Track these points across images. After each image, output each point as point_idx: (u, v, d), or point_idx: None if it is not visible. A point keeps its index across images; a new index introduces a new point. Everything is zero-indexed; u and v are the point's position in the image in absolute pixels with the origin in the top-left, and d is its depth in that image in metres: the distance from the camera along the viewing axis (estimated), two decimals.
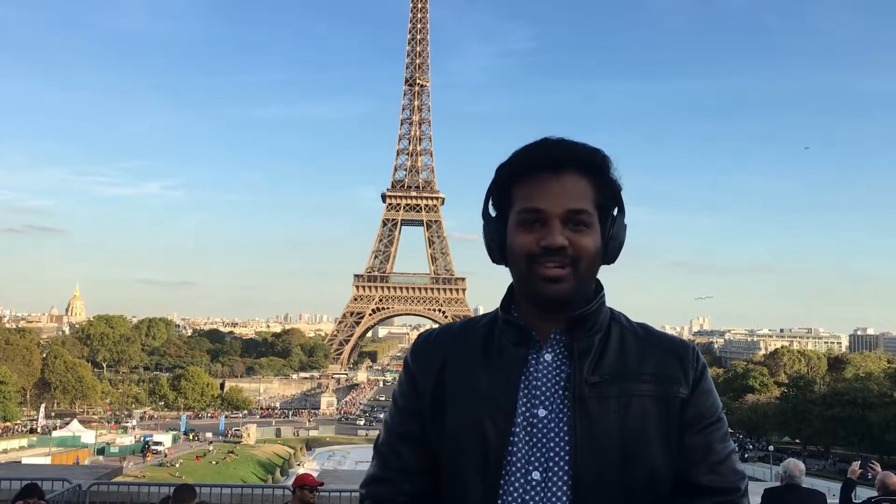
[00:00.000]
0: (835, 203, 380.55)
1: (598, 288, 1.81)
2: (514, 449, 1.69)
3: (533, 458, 1.68)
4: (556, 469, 1.67)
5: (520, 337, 1.77)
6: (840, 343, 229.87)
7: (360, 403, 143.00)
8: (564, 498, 1.65)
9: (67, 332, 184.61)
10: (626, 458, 1.66)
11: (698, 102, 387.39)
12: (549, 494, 1.66)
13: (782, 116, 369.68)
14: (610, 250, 1.77)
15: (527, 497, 1.67)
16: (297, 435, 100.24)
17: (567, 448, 1.67)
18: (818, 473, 62.88)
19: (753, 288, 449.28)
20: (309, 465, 68.78)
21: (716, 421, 1.77)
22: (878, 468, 8.72)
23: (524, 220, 1.71)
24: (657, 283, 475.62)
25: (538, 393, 1.72)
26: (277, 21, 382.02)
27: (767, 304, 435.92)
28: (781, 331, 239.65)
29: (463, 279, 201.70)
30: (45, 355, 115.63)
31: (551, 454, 1.68)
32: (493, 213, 1.82)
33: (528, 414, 1.71)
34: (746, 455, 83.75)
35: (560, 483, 1.66)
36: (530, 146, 1.76)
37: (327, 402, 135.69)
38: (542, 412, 1.71)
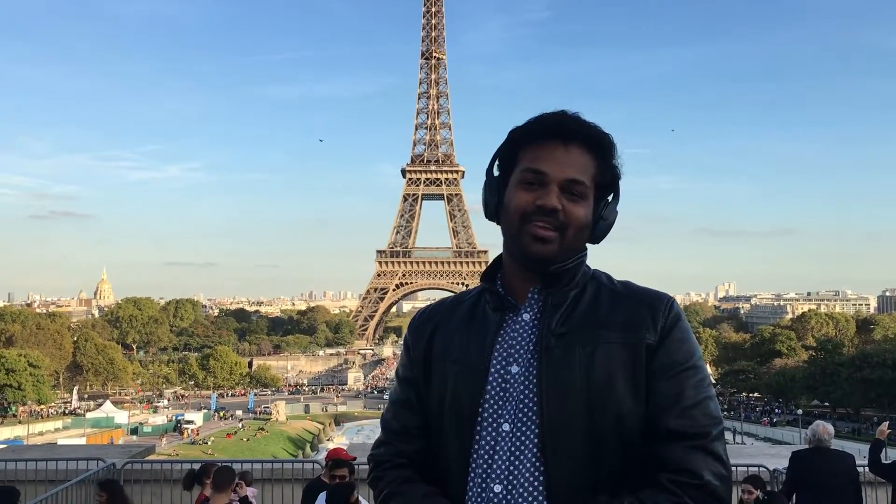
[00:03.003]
0: (860, 163, 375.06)
1: (581, 248, 1.90)
2: (487, 406, 1.79)
3: (504, 412, 1.77)
4: (525, 420, 1.75)
5: (498, 303, 1.89)
6: (868, 305, 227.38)
7: (387, 378, 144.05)
8: (531, 446, 1.73)
9: (97, 315, 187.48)
10: (593, 404, 1.71)
11: (720, 67, 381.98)
12: (518, 444, 1.74)
13: (806, 78, 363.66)
14: (599, 229, 1.87)
15: (497, 448, 1.76)
16: (326, 411, 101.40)
17: (535, 399, 1.74)
18: (848, 436, 62.63)
19: (779, 252, 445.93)
20: (338, 440, 69.53)
21: (689, 368, 1.77)
22: None
23: (525, 178, 1.81)
24: (683, 250, 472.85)
25: (512, 351, 1.82)
26: None
27: (794, 268, 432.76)
28: (808, 294, 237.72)
29: (485, 252, 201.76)
30: (75, 339, 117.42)
31: (520, 405, 1.76)
32: (496, 172, 1.92)
33: (502, 371, 1.80)
34: (775, 419, 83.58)
35: (529, 433, 1.74)
36: (547, 114, 1.84)
37: (354, 377, 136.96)
38: (514, 368, 1.80)
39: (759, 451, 14.39)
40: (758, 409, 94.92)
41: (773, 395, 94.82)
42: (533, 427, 1.74)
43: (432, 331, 1.96)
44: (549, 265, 1.82)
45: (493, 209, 1.91)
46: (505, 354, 1.82)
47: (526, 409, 1.76)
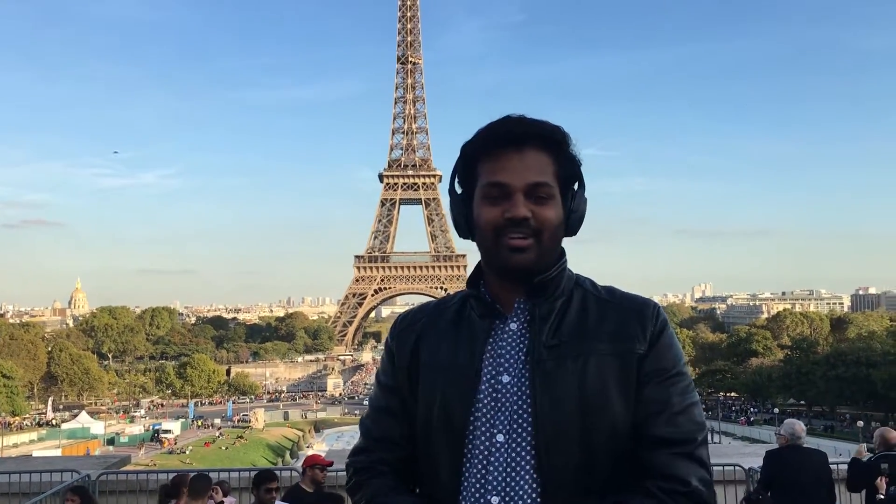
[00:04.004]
0: (834, 162, 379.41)
1: (561, 254, 1.88)
2: (479, 415, 1.77)
3: (497, 423, 1.76)
4: (519, 431, 1.74)
5: (485, 310, 1.86)
6: (842, 303, 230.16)
7: (367, 384, 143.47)
8: (527, 457, 1.73)
9: (71, 324, 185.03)
10: (587, 416, 1.72)
11: (697, 68, 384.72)
12: (513, 455, 1.73)
13: (780, 77, 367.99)
14: (571, 222, 1.85)
15: (491, 458, 1.74)
16: (305, 417, 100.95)
17: (529, 411, 1.74)
18: (823, 434, 63.29)
19: (754, 252, 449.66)
20: (318, 447, 69.22)
21: (676, 374, 1.79)
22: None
23: (489, 194, 1.79)
24: (660, 252, 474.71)
25: (502, 360, 1.80)
26: (268, 4, 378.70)
27: (769, 268, 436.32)
28: (783, 294, 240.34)
29: (463, 256, 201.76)
30: (50, 349, 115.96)
31: (514, 416, 1.75)
32: (458, 189, 1.91)
33: (493, 381, 1.79)
34: (752, 418, 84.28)
35: (524, 444, 1.73)
36: (493, 124, 1.83)
37: (333, 383, 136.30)
38: (505, 378, 1.78)
39: (735, 451, 14.49)
40: (735, 408, 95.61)
41: (749, 394, 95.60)
42: (528, 438, 1.73)
43: (417, 337, 1.93)
44: (532, 275, 1.80)
45: (465, 226, 1.89)
46: (495, 363, 1.81)
47: (521, 420, 1.74)
